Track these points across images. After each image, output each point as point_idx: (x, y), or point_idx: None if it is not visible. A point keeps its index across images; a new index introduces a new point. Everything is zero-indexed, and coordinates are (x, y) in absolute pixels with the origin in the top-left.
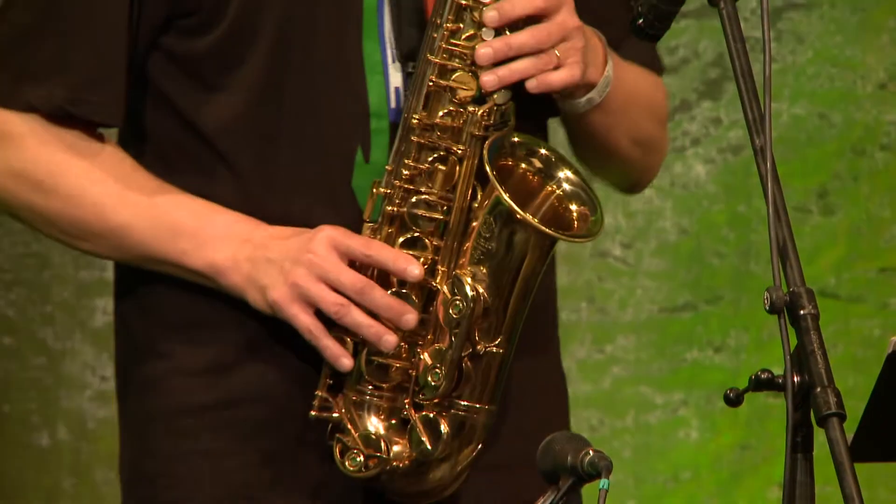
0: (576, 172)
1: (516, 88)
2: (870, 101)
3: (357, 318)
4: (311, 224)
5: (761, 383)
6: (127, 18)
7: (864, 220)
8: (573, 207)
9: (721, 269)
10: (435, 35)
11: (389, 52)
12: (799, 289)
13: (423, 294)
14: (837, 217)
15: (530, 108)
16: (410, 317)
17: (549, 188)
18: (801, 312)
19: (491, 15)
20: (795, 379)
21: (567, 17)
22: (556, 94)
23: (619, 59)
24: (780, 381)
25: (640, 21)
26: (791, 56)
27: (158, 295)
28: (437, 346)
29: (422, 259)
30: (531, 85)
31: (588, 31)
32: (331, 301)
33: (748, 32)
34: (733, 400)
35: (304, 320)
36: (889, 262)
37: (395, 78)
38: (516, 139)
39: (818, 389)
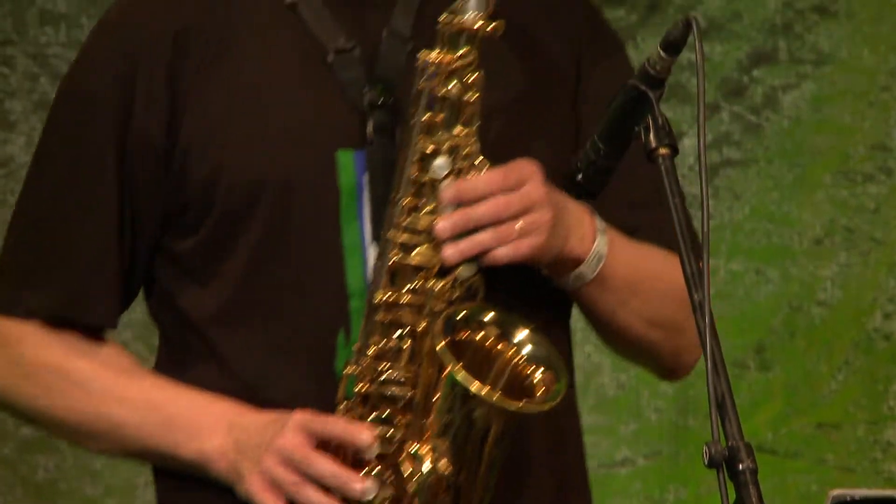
0: (533, 330)
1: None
2: (806, 256)
3: (309, 494)
4: (296, 407)
5: None
6: (118, 226)
7: (800, 375)
8: (537, 372)
9: (659, 424)
10: (393, 212)
11: (368, 233)
12: (737, 443)
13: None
14: (774, 372)
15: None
16: (357, 486)
17: (510, 353)
18: (740, 467)
19: (448, 194)
20: None
21: (532, 189)
22: (544, 270)
23: (623, 238)
24: None
25: (579, 177)
26: (728, 212)
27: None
28: None
29: (394, 435)
30: (483, 258)
31: (570, 204)
32: (288, 480)
33: (686, 189)
34: None
35: None
36: (826, 418)
37: (373, 258)
38: (459, 315)
39: None
